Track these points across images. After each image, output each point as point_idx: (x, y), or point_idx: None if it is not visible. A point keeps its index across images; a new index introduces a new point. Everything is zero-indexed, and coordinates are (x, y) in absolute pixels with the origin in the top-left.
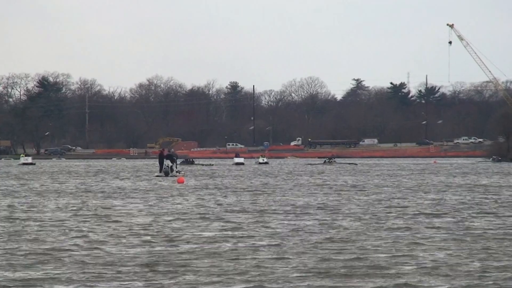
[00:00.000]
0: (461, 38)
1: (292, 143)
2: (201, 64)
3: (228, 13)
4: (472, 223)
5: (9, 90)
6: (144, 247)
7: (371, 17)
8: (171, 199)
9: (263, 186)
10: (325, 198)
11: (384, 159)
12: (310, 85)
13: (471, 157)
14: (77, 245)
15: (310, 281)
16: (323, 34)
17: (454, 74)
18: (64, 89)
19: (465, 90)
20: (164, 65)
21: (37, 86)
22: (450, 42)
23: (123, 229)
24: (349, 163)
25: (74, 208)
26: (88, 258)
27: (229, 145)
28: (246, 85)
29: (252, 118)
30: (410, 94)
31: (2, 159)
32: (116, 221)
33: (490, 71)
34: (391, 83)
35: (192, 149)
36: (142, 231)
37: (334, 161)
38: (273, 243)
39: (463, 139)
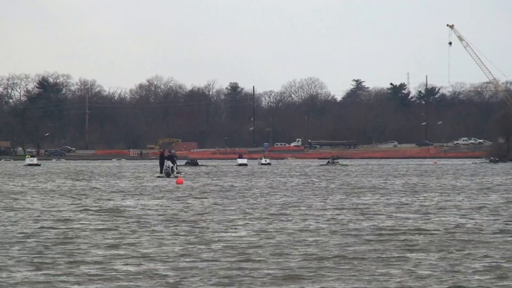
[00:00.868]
0: (461, 39)
1: (292, 144)
2: (201, 65)
3: (228, 13)
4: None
5: (9, 91)
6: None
7: (371, 17)
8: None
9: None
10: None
11: (384, 159)
12: (310, 86)
13: (471, 158)
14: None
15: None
16: (323, 34)
17: (454, 74)
18: (64, 90)
19: (465, 90)
20: (164, 65)
21: (37, 87)
22: (450, 43)
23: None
24: (353, 165)
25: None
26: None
27: (224, 148)
28: (246, 85)
29: (252, 119)
30: (410, 95)
31: (2, 159)
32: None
33: (490, 72)
34: (391, 83)
35: (192, 150)
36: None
37: (337, 162)
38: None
39: (463, 140)
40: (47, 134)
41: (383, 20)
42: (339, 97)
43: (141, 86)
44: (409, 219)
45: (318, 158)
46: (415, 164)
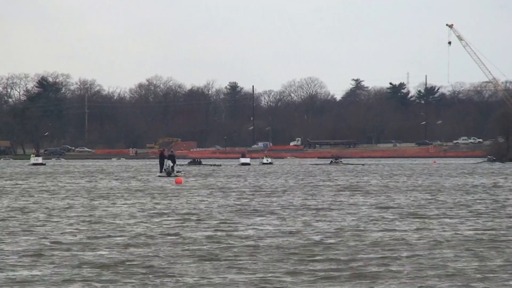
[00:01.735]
0: (460, 38)
1: (292, 143)
2: (200, 64)
3: (228, 13)
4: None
5: (9, 90)
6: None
7: (371, 17)
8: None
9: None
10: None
11: (384, 159)
12: (309, 85)
13: (471, 157)
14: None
15: None
16: (323, 34)
17: (454, 74)
18: (63, 89)
19: (465, 90)
20: (163, 65)
21: (36, 87)
22: (449, 42)
23: None
24: (360, 164)
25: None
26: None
27: (215, 147)
28: (245, 85)
29: (251, 118)
30: (410, 94)
31: (2, 159)
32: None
33: (489, 71)
34: (391, 83)
35: (192, 149)
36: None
37: (341, 161)
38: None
39: (463, 139)
40: (46, 133)
41: (383, 20)
42: (338, 97)
43: (140, 86)
44: None
45: (318, 158)
46: (422, 164)
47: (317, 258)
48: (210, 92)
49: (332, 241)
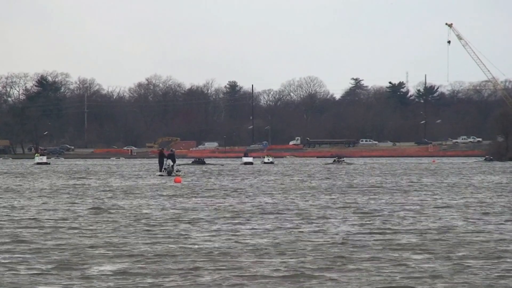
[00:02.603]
0: (459, 38)
1: (291, 143)
2: (200, 64)
3: (228, 13)
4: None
5: (8, 89)
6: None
7: (370, 16)
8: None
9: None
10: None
11: (384, 158)
12: (309, 85)
13: (470, 156)
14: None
15: None
16: (322, 33)
17: (453, 73)
18: (63, 89)
19: (464, 89)
20: (162, 64)
21: (36, 86)
22: (449, 42)
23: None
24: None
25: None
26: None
27: (203, 144)
28: (245, 84)
29: (251, 118)
30: (409, 94)
31: (1, 158)
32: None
33: (489, 71)
34: (390, 82)
35: (191, 149)
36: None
37: (343, 160)
38: None
39: (462, 139)
40: (46, 132)
41: (382, 19)
42: (338, 96)
43: (140, 85)
44: None
45: (317, 157)
46: (424, 163)
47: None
48: (209, 91)
49: None
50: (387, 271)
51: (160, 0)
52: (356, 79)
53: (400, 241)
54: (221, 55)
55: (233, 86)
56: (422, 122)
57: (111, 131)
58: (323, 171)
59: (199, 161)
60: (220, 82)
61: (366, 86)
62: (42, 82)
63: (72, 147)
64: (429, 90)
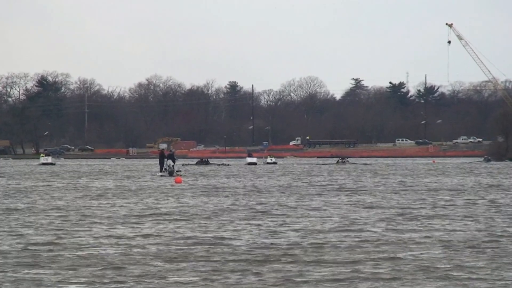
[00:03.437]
0: (460, 38)
1: (291, 143)
2: (200, 64)
3: (228, 13)
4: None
5: (8, 89)
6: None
7: (370, 16)
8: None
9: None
10: None
11: (384, 158)
12: (309, 85)
13: (470, 156)
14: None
15: None
16: (323, 33)
17: (453, 73)
18: (63, 89)
19: (464, 89)
20: (163, 64)
21: (36, 86)
22: (449, 42)
23: None
24: (363, 163)
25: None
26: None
27: (200, 145)
28: (245, 84)
29: (251, 118)
30: (409, 94)
31: (1, 158)
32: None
33: (489, 71)
34: (390, 82)
35: (191, 149)
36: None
37: (347, 161)
38: None
39: (462, 139)
40: (46, 133)
41: (383, 19)
42: (338, 96)
43: (140, 85)
44: None
45: (318, 157)
46: (425, 163)
47: None
48: (209, 91)
49: None
50: None
51: (160, 0)
52: (356, 79)
53: None
54: (221, 55)
55: (233, 86)
56: (422, 122)
57: (111, 131)
58: (341, 172)
59: (204, 162)
60: (221, 82)
61: (366, 86)
62: (42, 82)
63: (73, 148)
64: (429, 90)
